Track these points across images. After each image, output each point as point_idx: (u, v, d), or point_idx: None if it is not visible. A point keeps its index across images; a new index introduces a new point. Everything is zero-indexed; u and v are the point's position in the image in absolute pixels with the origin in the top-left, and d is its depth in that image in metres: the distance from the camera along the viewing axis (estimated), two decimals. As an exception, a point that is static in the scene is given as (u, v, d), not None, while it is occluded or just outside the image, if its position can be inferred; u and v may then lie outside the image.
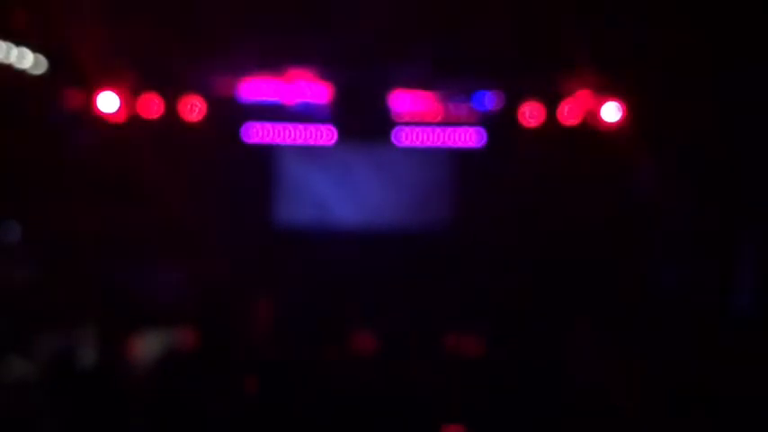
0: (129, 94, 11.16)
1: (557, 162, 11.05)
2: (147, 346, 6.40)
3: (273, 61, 9.62)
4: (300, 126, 11.84)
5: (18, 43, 9.01)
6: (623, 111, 10.38)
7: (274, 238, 12.03)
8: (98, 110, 11.01)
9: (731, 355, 7.01)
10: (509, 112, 11.12)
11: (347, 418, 5.88)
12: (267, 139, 12.01)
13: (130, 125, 11.23)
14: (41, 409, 5.12)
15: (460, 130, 11.67)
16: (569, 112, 10.88)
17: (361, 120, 11.19)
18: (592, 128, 10.80)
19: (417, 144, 11.67)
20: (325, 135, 11.84)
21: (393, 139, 11.57)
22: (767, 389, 6.14)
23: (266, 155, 12.14)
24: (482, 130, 11.57)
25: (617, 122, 10.52)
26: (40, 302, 7.48)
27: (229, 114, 11.50)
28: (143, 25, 8.46)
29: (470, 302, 10.15)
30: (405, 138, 11.62)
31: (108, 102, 11.05)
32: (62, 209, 10.34)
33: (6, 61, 8.98)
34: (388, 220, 11.89)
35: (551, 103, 10.91)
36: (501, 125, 11.28)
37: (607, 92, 10.36)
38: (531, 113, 11.02)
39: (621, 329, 8.43)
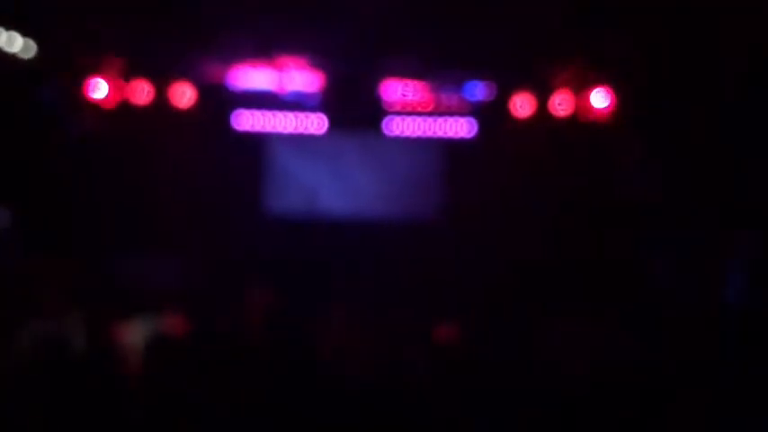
0: (119, 80, 11.07)
1: (548, 153, 11.02)
2: (137, 333, 6.34)
3: (265, 49, 9.54)
4: (291, 114, 11.79)
5: (8, 27, 8.87)
6: (613, 102, 10.37)
7: (264, 225, 12.00)
8: (88, 96, 10.94)
9: (723, 349, 7.02)
10: (500, 102, 11.08)
11: (337, 407, 5.86)
12: (257, 127, 11.96)
13: (120, 111, 11.16)
14: (31, 395, 5.09)
15: (451, 120, 11.61)
16: (560, 104, 10.86)
17: (352, 109, 11.14)
18: (582, 119, 10.78)
19: (408, 134, 11.66)
20: (316, 124, 11.78)
21: (383, 128, 11.54)
22: (759, 384, 6.16)
23: (256, 143, 12.10)
24: (473, 121, 11.53)
25: (607, 114, 10.50)
26: (29, 289, 7.42)
27: (220, 102, 11.46)
28: (134, 11, 8.35)
29: (459, 292, 10.15)
30: (395, 127, 11.58)
31: (98, 88, 10.98)
32: (52, 195, 10.26)
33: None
34: (378, 209, 11.86)
35: (542, 95, 10.88)
36: (492, 116, 11.25)
37: (597, 83, 10.35)
38: (522, 104, 10.99)
39: (613, 322, 8.43)
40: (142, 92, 10.98)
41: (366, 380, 6.59)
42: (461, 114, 11.32)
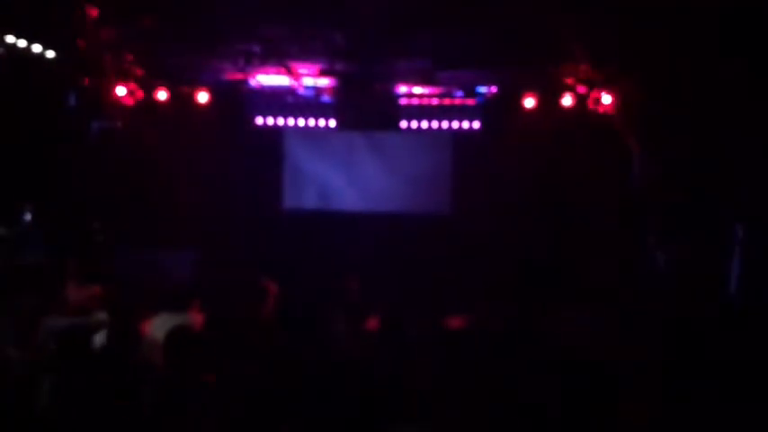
0: (141, 84, 11.27)
1: (554, 147, 11.15)
2: (159, 328, 6.46)
3: (279, 52, 9.66)
4: (306, 114, 11.95)
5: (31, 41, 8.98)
6: (614, 99, 10.46)
7: (278, 219, 12.16)
8: (113, 97, 11.15)
9: (720, 337, 7.06)
10: (509, 100, 11.22)
11: (348, 395, 5.93)
12: (273, 126, 12.11)
13: (141, 111, 11.34)
14: (53, 386, 5.18)
15: (462, 117, 11.77)
16: (565, 101, 10.96)
17: (366, 107, 11.28)
18: (586, 115, 10.88)
19: (421, 129, 11.75)
20: (330, 122, 11.94)
21: (398, 124, 11.68)
22: (752, 369, 6.19)
23: (272, 141, 12.27)
24: (483, 118, 11.66)
25: (609, 110, 10.58)
26: (55, 284, 7.52)
27: (236, 106, 11.64)
28: (154, 20, 8.45)
29: (469, 281, 10.26)
30: (409, 123, 11.70)
31: (121, 90, 11.18)
32: (74, 194, 10.43)
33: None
34: (393, 203, 12.02)
35: (549, 93, 11.02)
36: (501, 113, 11.39)
37: (600, 82, 10.44)
38: (530, 102, 11.13)
39: (614, 309, 8.46)
40: (162, 94, 11.22)
41: (374, 368, 6.72)
42: (472, 113, 11.50)
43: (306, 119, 11.80)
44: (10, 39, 8.77)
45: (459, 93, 11.37)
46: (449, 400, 6.26)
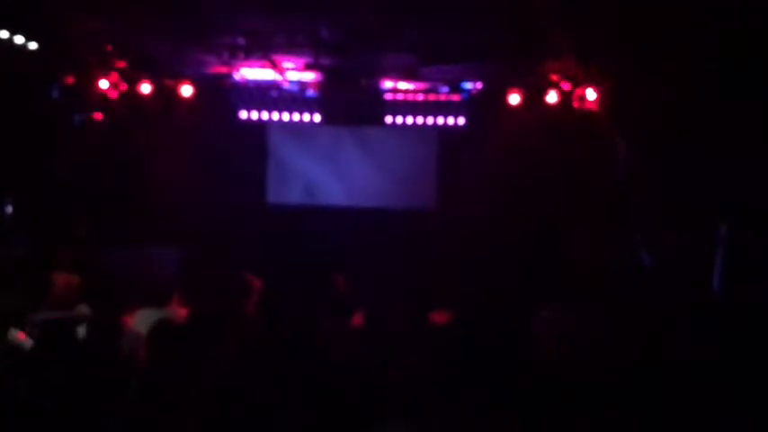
0: (125, 76, 11.18)
1: (539, 143, 11.15)
2: (143, 322, 6.41)
3: (264, 46, 9.61)
4: (291, 109, 11.90)
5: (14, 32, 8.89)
6: (599, 95, 10.47)
7: (262, 214, 12.11)
8: (96, 89, 11.05)
9: (704, 336, 7.07)
10: (494, 97, 11.20)
11: (333, 391, 5.91)
12: (258, 120, 12.06)
13: (125, 104, 11.27)
14: (36, 380, 5.14)
15: (448, 113, 11.75)
16: (550, 98, 10.96)
17: (351, 102, 11.24)
18: (571, 112, 10.88)
19: (406, 124, 11.77)
20: (315, 116, 11.90)
21: (383, 119, 11.66)
22: (737, 367, 6.20)
23: (257, 135, 12.21)
24: (468, 114, 11.65)
25: (594, 107, 10.59)
26: (36, 277, 7.47)
27: (220, 100, 11.56)
28: (137, 12, 8.39)
29: (454, 276, 10.25)
30: (394, 119, 11.69)
31: (104, 83, 11.09)
32: (59, 186, 10.35)
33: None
34: (378, 198, 11.99)
35: (534, 89, 10.99)
36: (486, 109, 11.37)
37: (585, 78, 10.44)
38: (515, 99, 11.11)
39: (599, 306, 8.45)
40: (146, 86, 11.14)
41: (359, 364, 6.70)
42: (458, 108, 11.48)
43: (291, 113, 11.76)
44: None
45: (445, 89, 11.34)
46: (434, 396, 6.24)
